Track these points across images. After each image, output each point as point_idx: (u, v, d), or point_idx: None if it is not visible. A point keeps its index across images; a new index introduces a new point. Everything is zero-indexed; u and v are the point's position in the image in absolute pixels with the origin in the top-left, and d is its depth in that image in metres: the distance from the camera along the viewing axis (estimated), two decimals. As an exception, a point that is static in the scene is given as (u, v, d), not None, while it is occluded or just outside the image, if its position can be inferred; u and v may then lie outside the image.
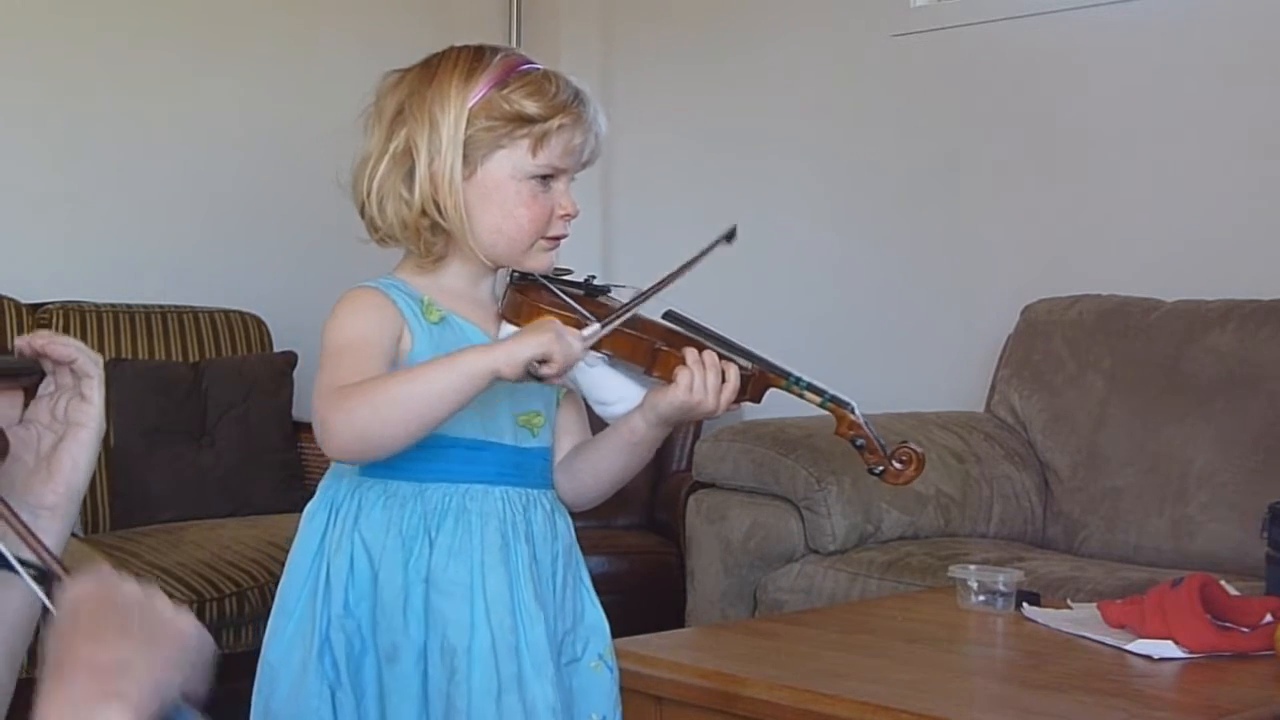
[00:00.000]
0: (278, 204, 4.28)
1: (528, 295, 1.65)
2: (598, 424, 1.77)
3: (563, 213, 1.66)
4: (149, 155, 4.14)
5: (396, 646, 1.59)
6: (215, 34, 4.26)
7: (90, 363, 1.23)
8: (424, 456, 1.58)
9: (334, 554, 1.62)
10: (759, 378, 1.67)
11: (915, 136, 4.04)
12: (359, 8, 4.50)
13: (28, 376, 1.24)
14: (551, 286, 1.67)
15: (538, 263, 1.67)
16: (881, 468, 1.71)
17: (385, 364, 1.58)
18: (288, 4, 4.43)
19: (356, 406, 1.51)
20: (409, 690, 1.59)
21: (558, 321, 1.55)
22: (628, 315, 1.60)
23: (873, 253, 4.14)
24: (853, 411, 1.70)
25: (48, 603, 1.07)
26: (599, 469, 1.72)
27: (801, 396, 1.68)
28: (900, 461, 1.72)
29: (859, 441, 1.70)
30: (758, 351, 1.68)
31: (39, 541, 1.09)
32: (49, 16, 3.99)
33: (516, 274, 1.68)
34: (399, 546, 1.60)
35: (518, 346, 1.51)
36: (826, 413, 1.70)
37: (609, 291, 1.68)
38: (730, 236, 1.67)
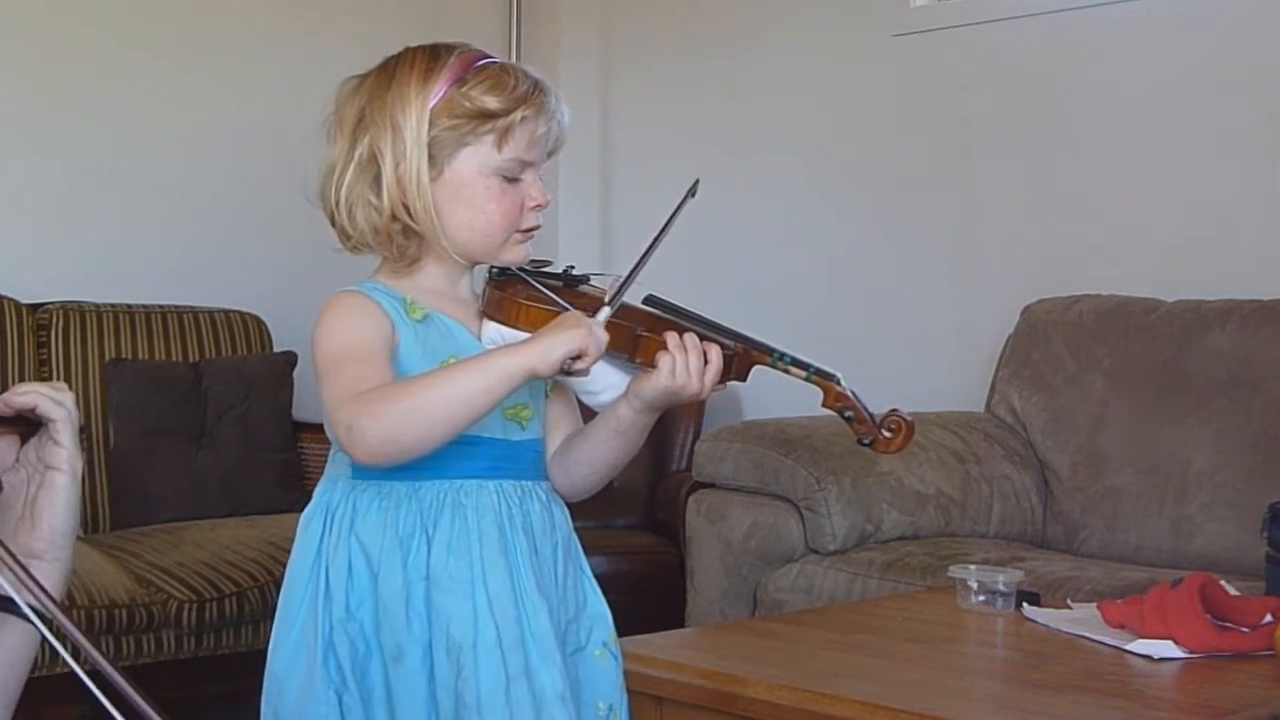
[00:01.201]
0: (277, 204, 4.26)
1: (507, 291, 1.65)
2: (588, 414, 1.77)
3: (533, 204, 1.65)
4: (149, 156, 4.14)
5: (401, 646, 1.59)
6: (215, 34, 4.26)
7: (51, 404, 1.22)
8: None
9: (332, 558, 1.62)
10: (743, 356, 1.66)
11: (915, 136, 4.04)
12: (358, 8, 4.50)
13: (24, 422, 1.24)
14: (530, 280, 1.66)
15: (513, 256, 1.67)
16: (871, 438, 1.71)
17: (389, 365, 1.58)
18: (287, 4, 4.43)
19: (388, 409, 1.51)
20: (416, 689, 1.59)
21: (584, 315, 1.55)
22: (628, 289, 1.60)
23: (872, 253, 4.14)
24: (839, 383, 1.70)
25: (58, 646, 1.07)
26: (591, 458, 1.72)
27: (787, 372, 1.67)
28: (889, 430, 1.70)
29: (847, 413, 1.70)
30: (740, 329, 1.68)
31: (35, 582, 1.09)
32: (48, 17, 3.99)
33: (495, 270, 1.68)
34: (396, 546, 1.60)
35: (552, 344, 1.51)
36: (813, 386, 1.70)
37: (588, 280, 1.68)
38: (693, 191, 1.66)
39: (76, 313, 3.79)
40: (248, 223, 4.28)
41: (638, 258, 1.62)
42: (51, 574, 1.21)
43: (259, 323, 4.08)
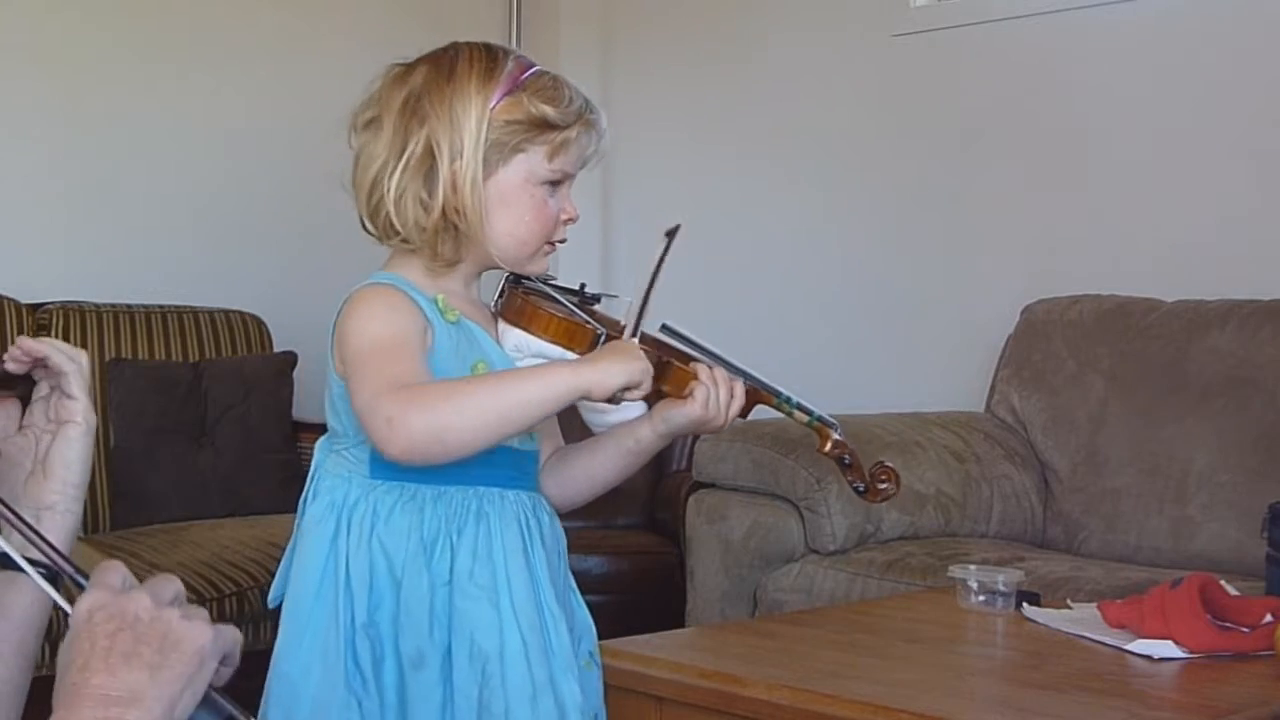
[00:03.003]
0: (277, 204, 4.28)
1: (529, 299, 1.65)
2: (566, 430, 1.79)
3: (566, 217, 1.66)
4: (149, 155, 4.15)
5: (422, 652, 1.58)
6: (215, 35, 4.26)
7: (64, 358, 1.22)
8: None
9: (353, 560, 1.59)
10: (751, 394, 1.71)
11: (915, 136, 4.04)
12: (358, 7, 4.50)
13: (21, 384, 1.25)
14: (550, 291, 1.67)
15: (538, 267, 1.67)
16: (864, 486, 1.78)
17: (427, 362, 1.57)
18: (288, 3, 4.43)
19: (436, 405, 1.50)
20: (433, 695, 1.58)
21: (636, 346, 1.58)
22: (645, 318, 1.63)
23: (872, 253, 4.14)
24: (837, 431, 1.76)
25: (60, 601, 1.08)
26: (594, 474, 1.74)
27: (790, 415, 1.74)
28: (881, 481, 1.79)
29: (846, 459, 1.77)
30: (746, 369, 1.72)
31: (42, 538, 1.10)
32: (48, 17, 3.99)
33: (512, 276, 1.68)
34: (420, 551, 1.58)
35: (611, 371, 1.53)
36: (813, 432, 1.77)
37: (600, 300, 1.70)
38: (672, 234, 1.68)
39: (76, 313, 3.79)
40: (248, 223, 4.28)
41: (644, 290, 1.64)
42: (64, 525, 1.22)
43: (259, 323, 4.08)
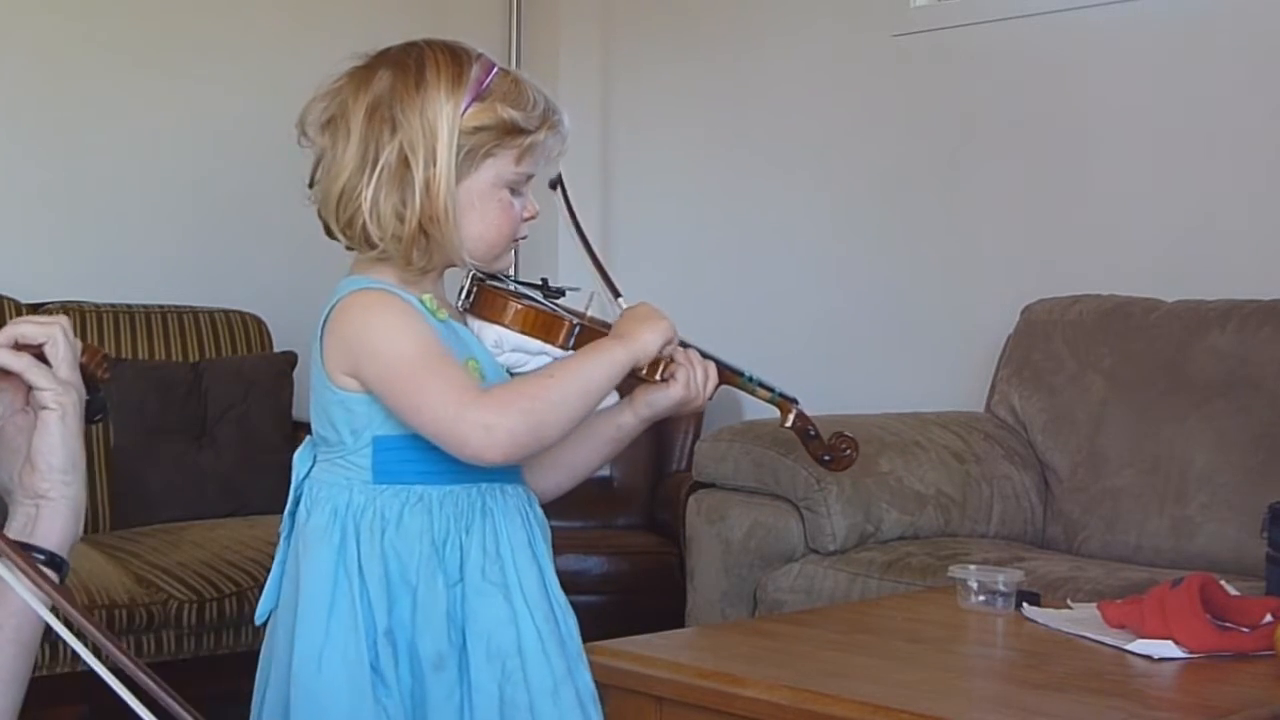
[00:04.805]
0: (277, 203, 4.26)
1: (500, 294, 1.67)
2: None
3: (528, 215, 1.68)
4: (149, 155, 4.14)
5: (442, 654, 1.58)
6: (215, 34, 4.26)
7: (12, 358, 1.21)
8: (445, 458, 1.57)
9: (366, 566, 1.58)
10: (720, 374, 1.75)
11: (915, 136, 4.04)
12: (358, 6, 4.50)
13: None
14: (513, 285, 1.70)
15: (503, 264, 1.70)
16: (829, 456, 1.87)
17: None
18: (287, 4, 4.43)
19: (529, 404, 1.53)
20: (452, 697, 1.58)
21: (651, 305, 1.64)
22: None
23: (872, 253, 4.14)
24: (798, 405, 1.83)
25: (37, 608, 1.06)
26: (576, 464, 1.76)
27: (753, 393, 1.79)
28: (844, 451, 1.88)
29: (811, 432, 1.84)
30: (705, 349, 1.75)
31: (34, 568, 1.07)
32: (48, 17, 3.99)
33: (477, 274, 1.70)
34: (433, 552, 1.58)
35: (649, 336, 1.61)
36: (775, 407, 1.83)
37: (565, 294, 1.73)
38: (554, 185, 1.78)
39: (76, 313, 3.79)
40: (248, 223, 4.28)
41: (597, 265, 1.73)
42: (59, 513, 1.21)
43: (259, 323, 4.08)
